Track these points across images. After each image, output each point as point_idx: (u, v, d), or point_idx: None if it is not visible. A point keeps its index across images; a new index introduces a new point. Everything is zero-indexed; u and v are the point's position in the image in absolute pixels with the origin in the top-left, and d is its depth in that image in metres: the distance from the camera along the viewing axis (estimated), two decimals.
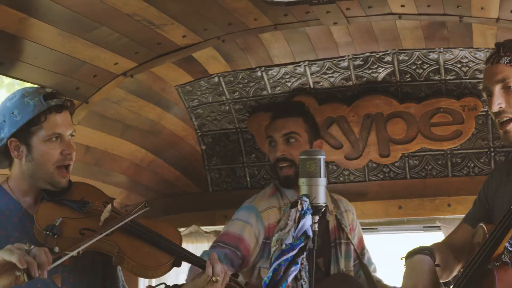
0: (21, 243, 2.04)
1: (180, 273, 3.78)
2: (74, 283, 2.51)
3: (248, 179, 4.15)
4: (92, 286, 2.60)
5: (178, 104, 3.92)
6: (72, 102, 2.62)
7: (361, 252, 3.44)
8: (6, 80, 8.76)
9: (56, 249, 2.19)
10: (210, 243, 4.15)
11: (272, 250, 2.02)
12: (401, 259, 2.51)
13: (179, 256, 2.56)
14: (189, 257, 2.58)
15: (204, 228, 4.29)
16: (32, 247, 2.02)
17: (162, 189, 4.32)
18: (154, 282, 3.85)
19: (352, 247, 3.32)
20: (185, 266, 2.72)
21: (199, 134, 4.11)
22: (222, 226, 4.08)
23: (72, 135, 2.57)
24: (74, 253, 2.26)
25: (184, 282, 2.71)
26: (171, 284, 2.60)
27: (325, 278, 3.18)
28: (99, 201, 2.60)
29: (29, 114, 2.47)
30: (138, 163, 4.05)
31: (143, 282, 4.33)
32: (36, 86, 2.69)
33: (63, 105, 2.56)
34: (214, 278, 2.48)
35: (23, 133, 2.49)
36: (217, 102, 3.93)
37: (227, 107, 3.95)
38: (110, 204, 2.56)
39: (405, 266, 2.50)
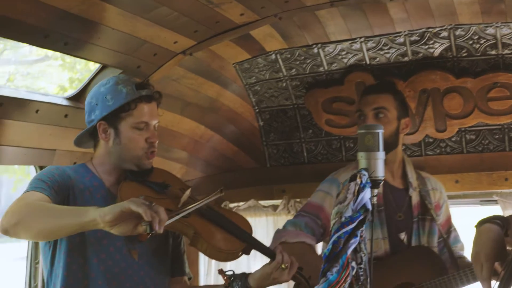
0: (142, 199, 2.13)
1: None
2: (147, 260, 2.58)
3: (305, 154, 4.13)
4: (162, 266, 2.65)
5: (236, 81, 3.92)
6: (160, 94, 2.67)
7: (447, 230, 3.38)
8: (68, 58, 8.90)
9: None
10: (269, 217, 4.29)
11: (332, 222, 1.99)
12: (474, 227, 2.46)
13: (250, 243, 2.60)
14: (259, 245, 2.63)
15: (262, 202, 4.30)
16: (153, 203, 2.10)
17: (221, 165, 4.33)
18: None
19: (435, 224, 3.26)
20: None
21: (257, 110, 4.10)
22: (280, 201, 4.20)
23: (156, 126, 2.63)
24: (175, 219, 2.34)
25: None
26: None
27: (401, 251, 3.17)
28: (177, 186, 2.64)
29: (121, 100, 2.52)
30: (198, 139, 4.07)
31: (203, 269, 4.40)
32: (128, 76, 2.76)
33: (153, 96, 2.62)
34: (283, 265, 2.55)
35: (113, 118, 2.54)
36: (274, 79, 3.90)
37: (284, 84, 3.93)
38: (190, 189, 2.60)
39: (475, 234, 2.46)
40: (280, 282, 2.62)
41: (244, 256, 2.66)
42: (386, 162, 3.16)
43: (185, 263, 2.78)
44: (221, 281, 2.64)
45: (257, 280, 2.60)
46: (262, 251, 2.64)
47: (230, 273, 2.61)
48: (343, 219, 1.92)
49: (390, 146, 3.19)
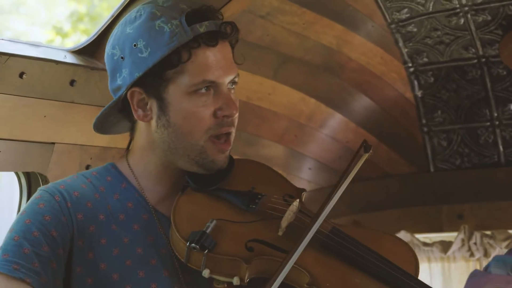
0: None
1: None
2: None
3: (501, 148, 4.11)
4: None
5: (373, 18, 3.87)
6: (234, 27, 2.58)
7: None
8: None
9: (206, 272, 2.27)
10: (434, 264, 4.29)
11: None
12: None
13: None
14: None
15: (421, 236, 4.32)
16: None
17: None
18: None
19: None
20: None
21: (411, 70, 4.09)
22: (455, 234, 4.15)
23: (234, 83, 2.55)
24: None
25: None
26: None
27: None
28: (278, 192, 2.58)
29: (163, 49, 2.45)
30: (304, 123, 4.09)
31: None
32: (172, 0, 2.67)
33: (220, 31, 2.52)
34: None
35: (153, 80, 2.49)
36: (443, 12, 3.84)
37: (462, 21, 3.85)
38: (298, 200, 2.49)
39: None
40: None
41: None
42: None
43: None
44: None
45: None
46: None
47: None
48: None
49: None
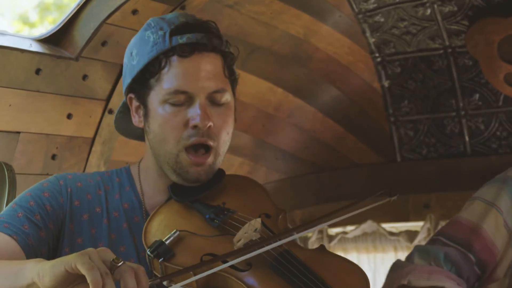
0: (109, 251, 1.99)
1: None
2: None
3: (466, 138, 4.10)
4: None
5: (340, 8, 3.85)
6: (221, 41, 2.51)
7: None
8: None
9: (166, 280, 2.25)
10: (400, 253, 4.29)
11: None
12: None
13: None
14: None
15: (387, 226, 4.31)
16: (120, 262, 1.96)
17: (312, 159, 4.34)
18: None
19: None
20: None
21: (379, 60, 4.08)
22: (421, 223, 4.15)
23: (215, 97, 2.46)
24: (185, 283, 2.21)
25: None
26: None
27: None
28: (254, 211, 2.52)
29: (145, 57, 2.48)
30: (272, 113, 4.08)
31: None
32: (177, 12, 2.66)
33: (200, 43, 2.46)
34: None
35: (140, 87, 2.53)
36: (410, 2, 3.84)
37: (429, 11, 3.85)
38: (258, 219, 2.41)
39: None
40: None
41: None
42: None
43: None
44: None
45: None
46: None
47: None
48: None
49: None
